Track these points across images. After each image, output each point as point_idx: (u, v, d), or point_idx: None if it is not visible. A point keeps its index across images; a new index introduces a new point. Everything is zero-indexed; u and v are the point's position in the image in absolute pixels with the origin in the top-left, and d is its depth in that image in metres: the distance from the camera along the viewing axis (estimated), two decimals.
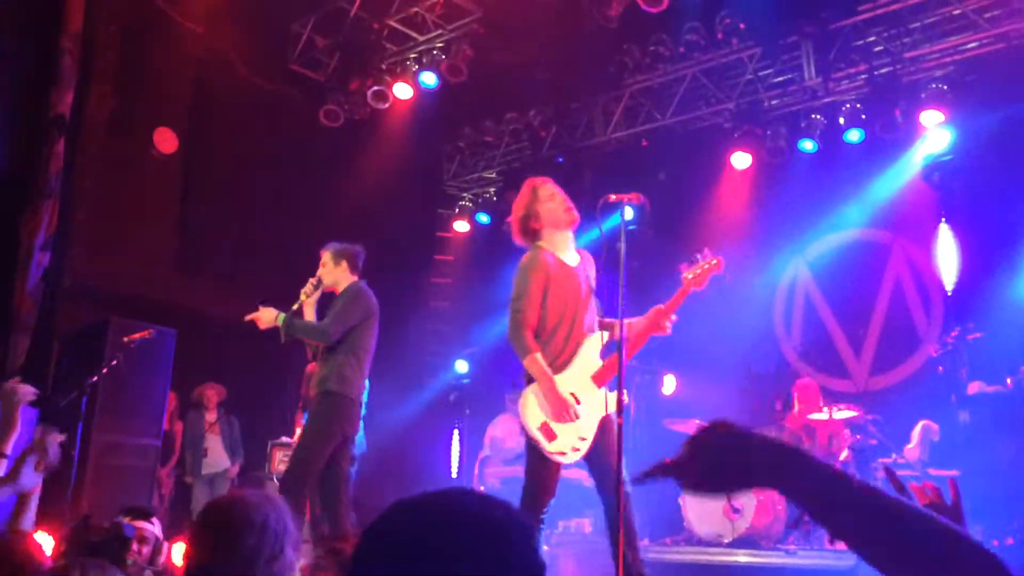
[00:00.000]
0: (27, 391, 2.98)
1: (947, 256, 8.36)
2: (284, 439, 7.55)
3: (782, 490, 1.15)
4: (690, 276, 4.31)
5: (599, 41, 8.54)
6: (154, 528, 3.47)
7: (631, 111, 9.48)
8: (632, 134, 9.53)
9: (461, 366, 10.18)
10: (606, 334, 4.37)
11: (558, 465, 4.20)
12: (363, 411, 5.65)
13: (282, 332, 5.19)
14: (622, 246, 3.99)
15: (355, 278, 5.40)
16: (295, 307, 5.27)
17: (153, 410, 7.24)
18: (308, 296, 5.32)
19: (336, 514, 5.07)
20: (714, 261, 4.32)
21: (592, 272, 4.57)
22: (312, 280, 5.38)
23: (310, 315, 5.34)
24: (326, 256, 5.42)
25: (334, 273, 5.37)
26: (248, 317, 5.25)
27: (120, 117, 8.64)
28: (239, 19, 8.88)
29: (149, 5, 8.62)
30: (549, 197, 4.47)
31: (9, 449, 2.82)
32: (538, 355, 4.19)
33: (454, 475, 9.53)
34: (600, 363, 4.27)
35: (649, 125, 9.37)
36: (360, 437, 6.09)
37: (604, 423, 4.22)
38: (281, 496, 4.39)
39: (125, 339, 6.20)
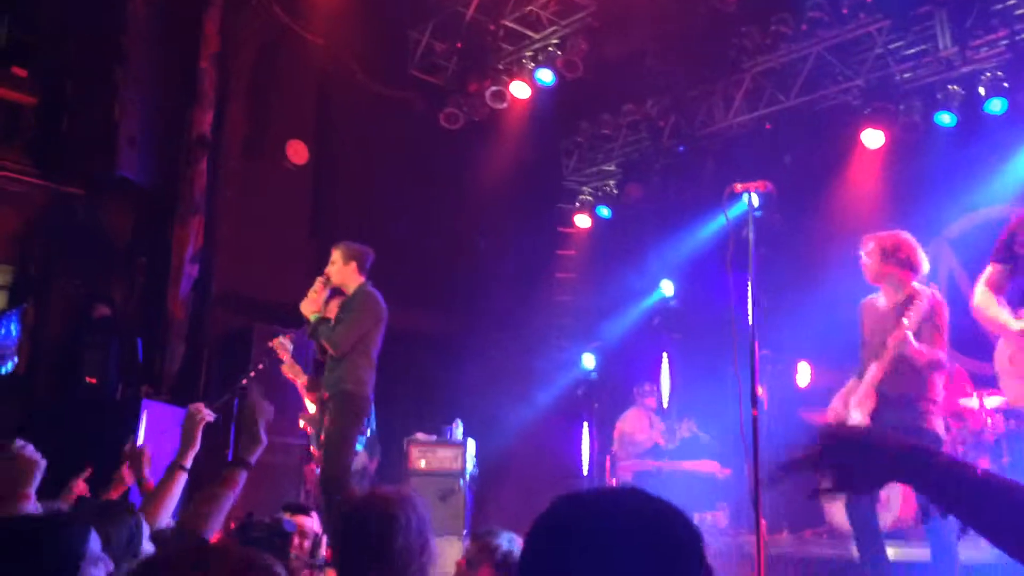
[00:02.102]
0: (208, 413, 3.20)
1: None
2: (419, 435, 7.76)
3: (912, 485, 1.23)
4: None
5: (716, 25, 8.37)
6: (313, 523, 3.63)
7: (753, 94, 9.24)
8: (754, 118, 9.28)
9: (588, 360, 10.20)
10: None
11: None
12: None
13: (309, 329, 5.47)
14: (750, 235, 3.91)
15: (363, 279, 5.53)
16: (322, 315, 5.44)
17: (297, 410, 7.59)
18: (317, 293, 5.49)
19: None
20: None
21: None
22: (321, 278, 5.53)
23: (317, 308, 5.50)
24: (336, 254, 5.55)
25: (343, 272, 5.51)
26: (311, 292, 5.45)
27: (254, 133, 9.09)
28: (359, 29, 9.18)
29: (275, 22, 9.03)
30: None
31: (189, 463, 3.05)
32: None
33: (584, 470, 9.56)
34: None
35: (772, 108, 9.11)
36: (373, 427, 6.23)
37: None
38: (329, 502, 4.54)
39: (269, 344, 6.52)
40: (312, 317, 5.43)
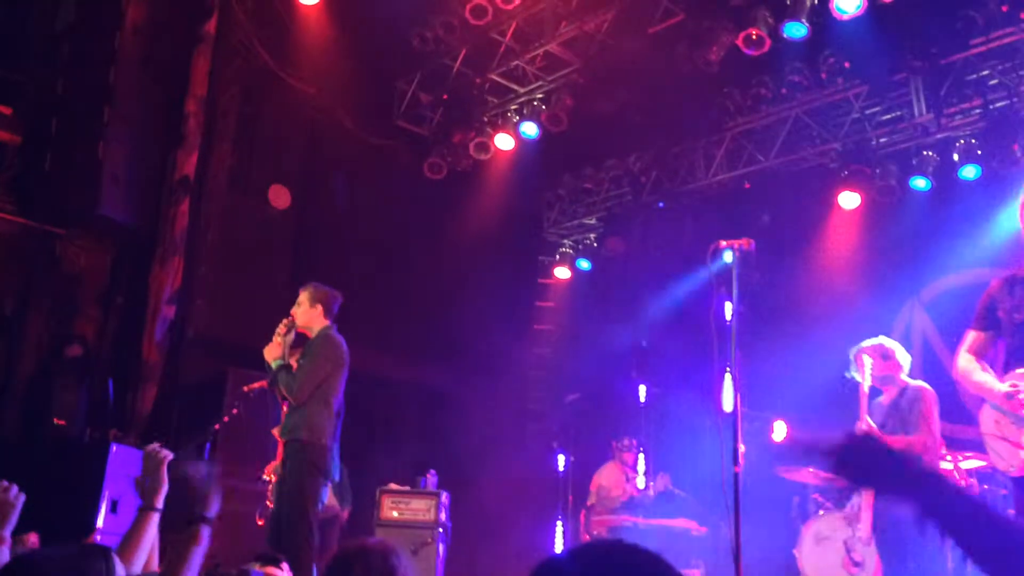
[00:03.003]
0: (167, 453, 3.17)
1: None
2: (392, 485, 7.66)
3: (920, 504, 1.32)
4: None
5: (699, 85, 8.54)
6: (284, 573, 3.56)
7: (733, 153, 9.41)
8: (734, 176, 9.44)
9: (565, 410, 10.14)
10: None
11: None
12: (334, 451, 5.58)
13: (270, 376, 5.39)
14: (733, 290, 3.95)
15: (327, 323, 5.46)
16: (283, 362, 5.34)
17: (269, 457, 7.48)
18: (281, 336, 5.39)
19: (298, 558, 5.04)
20: None
21: None
22: (286, 320, 5.45)
23: (279, 353, 5.38)
24: (303, 296, 5.50)
25: (309, 314, 5.45)
26: (276, 336, 5.38)
27: (238, 175, 9.10)
28: (347, 79, 9.27)
29: (264, 69, 9.10)
30: None
31: (160, 503, 2.98)
32: None
33: (559, 523, 9.45)
34: None
35: (752, 167, 9.27)
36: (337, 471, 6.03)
37: None
38: (293, 557, 4.43)
39: (244, 388, 6.44)
40: (274, 364, 5.33)
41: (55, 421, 7.26)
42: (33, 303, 7.97)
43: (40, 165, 8.08)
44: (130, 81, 7.94)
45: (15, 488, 2.56)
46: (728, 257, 4.39)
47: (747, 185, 9.46)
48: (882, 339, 5.41)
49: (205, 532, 2.75)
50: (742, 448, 3.87)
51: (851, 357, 5.32)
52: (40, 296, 7.99)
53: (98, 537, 6.20)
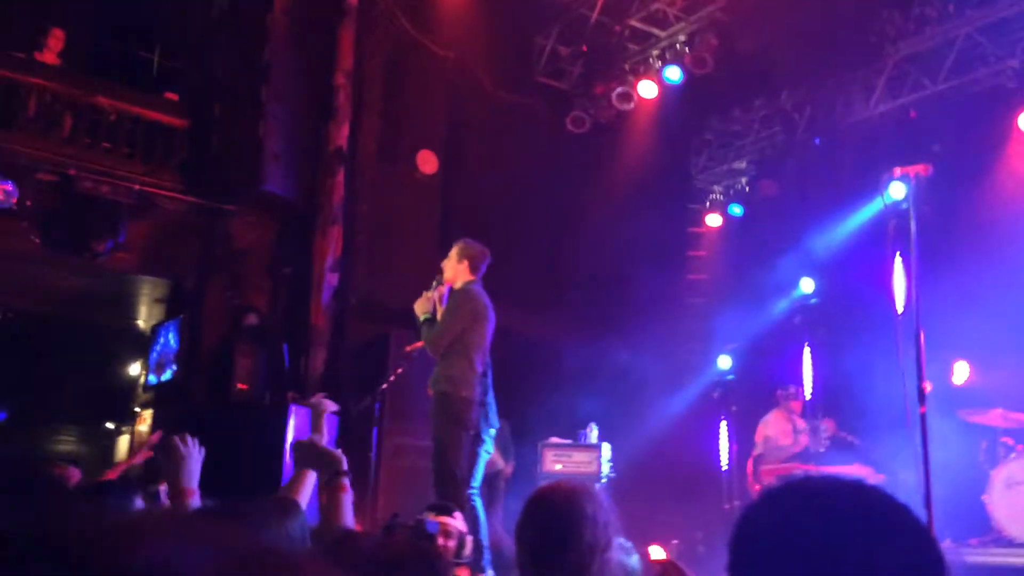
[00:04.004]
0: (330, 404, 3.30)
1: None
2: (553, 439, 7.73)
3: None
4: None
5: (854, 11, 8.02)
6: (457, 523, 3.65)
7: (895, 81, 8.80)
8: (898, 106, 8.83)
9: (724, 362, 9.93)
10: None
11: None
12: (488, 405, 5.59)
13: (418, 329, 5.48)
14: (911, 220, 3.70)
15: (472, 278, 5.46)
16: (429, 316, 5.41)
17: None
18: (432, 291, 5.47)
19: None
20: None
21: None
22: (437, 278, 5.54)
23: (427, 308, 5.45)
24: (453, 251, 5.55)
25: (456, 269, 5.48)
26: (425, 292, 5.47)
27: (386, 144, 9.34)
28: (486, 40, 9.30)
29: (406, 37, 9.25)
30: None
31: None
32: None
33: (724, 472, 9.29)
34: None
35: (917, 94, 8.65)
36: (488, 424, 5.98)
37: None
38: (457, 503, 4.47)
39: (407, 348, 6.64)
40: (422, 317, 5.46)
41: (238, 386, 7.76)
42: (210, 277, 8.52)
43: (207, 146, 8.58)
44: (282, 60, 8.28)
45: (193, 441, 2.72)
46: (901, 188, 4.10)
47: (913, 114, 8.84)
48: None
49: (346, 482, 2.85)
50: (928, 386, 3.64)
51: None
52: (216, 270, 8.53)
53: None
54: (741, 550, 0.95)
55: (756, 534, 0.95)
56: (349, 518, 2.83)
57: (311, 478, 3.09)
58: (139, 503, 3.19)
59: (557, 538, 1.88)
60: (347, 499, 2.85)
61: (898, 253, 3.97)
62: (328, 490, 2.85)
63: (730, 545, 0.96)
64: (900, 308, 3.89)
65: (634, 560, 2.65)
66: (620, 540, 2.78)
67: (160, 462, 2.69)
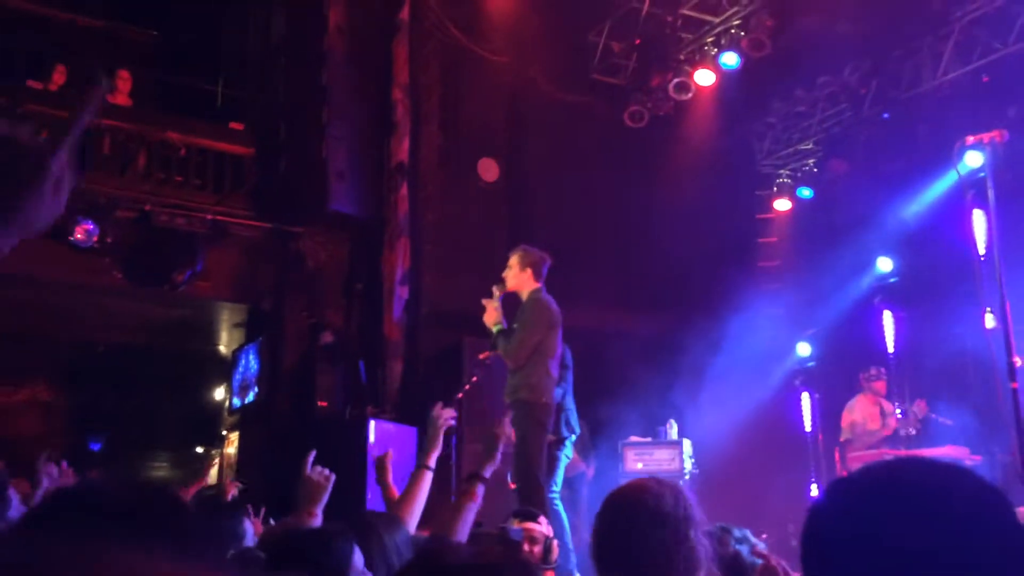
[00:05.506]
0: (449, 414, 3.26)
1: None
2: (633, 438, 7.68)
3: None
4: None
5: None
6: (542, 527, 3.63)
7: (964, 46, 8.47)
8: (968, 72, 8.51)
9: (803, 349, 9.71)
10: None
11: None
12: (569, 410, 5.78)
13: (491, 341, 5.52)
14: (989, 188, 3.55)
15: (537, 285, 5.47)
16: (501, 326, 5.46)
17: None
18: (495, 301, 5.48)
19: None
20: None
21: None
22: (497, 286, 5.53)
23: (496, 317, 5.50)
24: (513, 260, 5.53)
25: (519, 278, 5.48)
26: (486, 302, 5.49)
27: (447, 154, 9.41)
28: (538, 42, 9.30)
29: (459, 46, 9.32)
30: None
31: (433, 463, 3.18)
32: None
33: (810, 461, 9.08)
34: None
35: (989, 58, 8.31)
36: (569, 428, 5.99)
37: None
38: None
39: (480, 356, 6.68)
40: (494, 328, 5.50)
41: (319, 403, 7.92)
42: (286, 299, 8.72)
43: (274, 171, 8.79)
44: (340, 79, 8.43)
45: (327, 471, 2.83)
46: (977, 156, 3.95)
47: (985, 79, 8.50)
48: None
49: (480, 490, 2.90)
50: (1019, 361, 3.49)
51: None
52: (291, 291, 8.72)
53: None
54: (812, 544, 0.92)
55: (825, 526, 0.92)
56: (465, 532, 2.88)
57: (428, 479, 3.15)
58: (248, 524, 3.31)
59: (621, 536, 1.87)
60: (472, 509, 2.91)
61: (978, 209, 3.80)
62: (459, 498, 2.94)
63: (801, 538, 0.94)
64: (982, 254, 3.70)
65: (745, 551, 2.63)
66: (737, 531, 2.74)
67: (298, 490, 2.82)
